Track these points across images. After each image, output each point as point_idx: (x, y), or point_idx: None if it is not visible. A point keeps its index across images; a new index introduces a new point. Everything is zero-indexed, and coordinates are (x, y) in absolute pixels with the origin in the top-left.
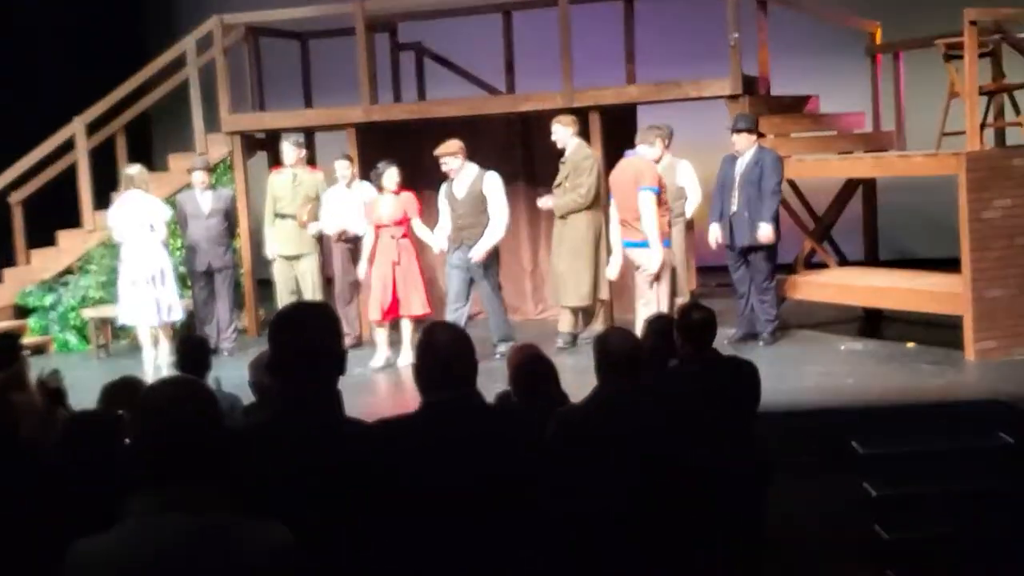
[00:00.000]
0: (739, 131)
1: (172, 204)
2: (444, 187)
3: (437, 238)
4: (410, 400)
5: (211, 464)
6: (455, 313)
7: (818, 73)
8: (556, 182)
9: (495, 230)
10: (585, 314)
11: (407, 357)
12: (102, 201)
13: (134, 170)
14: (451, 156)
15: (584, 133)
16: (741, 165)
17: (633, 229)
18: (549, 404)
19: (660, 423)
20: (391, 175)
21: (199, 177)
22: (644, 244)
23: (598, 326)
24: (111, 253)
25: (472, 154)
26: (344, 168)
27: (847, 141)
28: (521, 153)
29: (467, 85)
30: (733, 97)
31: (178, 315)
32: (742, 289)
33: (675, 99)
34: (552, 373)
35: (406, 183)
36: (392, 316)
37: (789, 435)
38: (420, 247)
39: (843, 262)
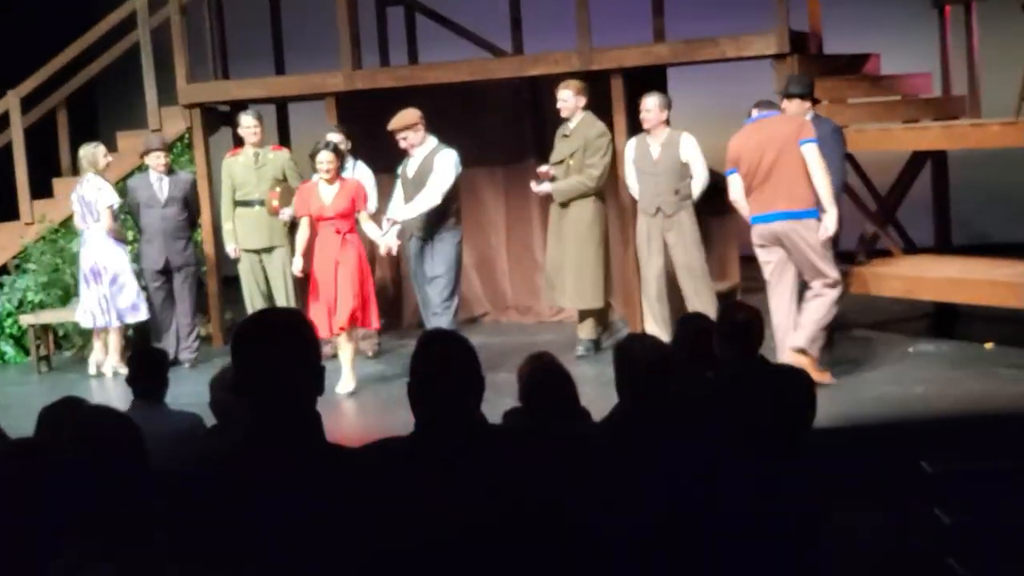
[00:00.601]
0: (791, 96)
1: (122, 191)
2: (400, 166)
3: (384, 234)
4: (383, 426)
5: (137, 517)
6: (437, 319)
7: (878, 27)
8: (554, 159)
9: (421, 200)
10: (601, 316)
11: (348, 384)
12: (42, 188)
13: (83, 150)
14: (409, 130)
15: (602, 101)
16: None
17: (795, 196)
18: (565, 423)
19: (693, 445)
20: (322, 160)
21: (155, 159)
22: (809, 213)
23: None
24: (52, 249)
25: (472, 128)
26: (326, 164)
27: (912, 107)
28: (531, 126)
29: (466, 46)
30: (779, 57)
31: (133, 317)
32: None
33: (711, 60)
34: (569, 386)
35: (397, 167)
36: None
37: (848, 454)
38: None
39: (910, 249)
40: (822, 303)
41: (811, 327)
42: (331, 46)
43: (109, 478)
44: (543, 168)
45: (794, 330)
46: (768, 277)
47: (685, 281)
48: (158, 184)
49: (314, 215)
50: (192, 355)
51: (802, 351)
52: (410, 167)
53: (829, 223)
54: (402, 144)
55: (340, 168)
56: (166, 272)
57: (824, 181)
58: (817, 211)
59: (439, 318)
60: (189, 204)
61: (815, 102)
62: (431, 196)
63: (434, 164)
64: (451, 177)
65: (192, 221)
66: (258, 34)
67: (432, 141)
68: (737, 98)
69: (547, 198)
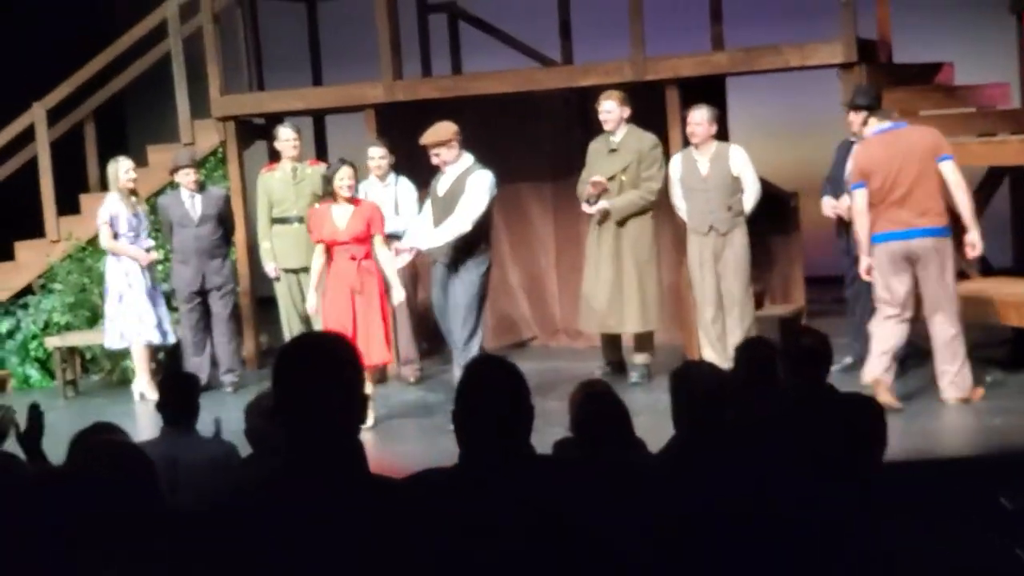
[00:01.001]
0: (857, 108)
1: (152, 208)
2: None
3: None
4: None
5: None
6: (459, 356)
7: (951, 35)
8: (600, 176)
9: (449, 227)
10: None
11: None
12: (68, 205)
13: (112, 167)
14: (443, 146)
15: (654, 113)
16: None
17: (933, 212)
18: (619, 454)
19: (753, 477)
20: (343, 176)
21: (184, 176)
22: (946, 231)
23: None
24: (79, 268)
25: (519, 141)
26: (378, 155)
27: (989, 120)
28: (580, 139)
29: (513, 55)
30: (846, 66)
31: (154, 338)
32: (855, 307)
33: (773, 69)
34: (623, 415)
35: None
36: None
37: (921, 489)
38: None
39: (987, 271)
40: (903, 331)
41: (890, 355)
42: (371, 55)
43: (117, 513)
44: (597, 178)
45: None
46: (889, 304)
47: (731, 306)
48: (190, 202)
49: (327, 240)
50: (234, 379)
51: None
52: (441, 185)
53: (976, 240)
54: (434, 160)
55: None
56: (201, 293)
57: (966, 199)
58: (950, 230)
59: (460, 356)
60: (224, 221)
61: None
62: (460, 223)
63: (466, 185)
64: (484, 202)
65: (227, 238)
66: (294, 43)
67: (467, 159)
68: (800, 110)
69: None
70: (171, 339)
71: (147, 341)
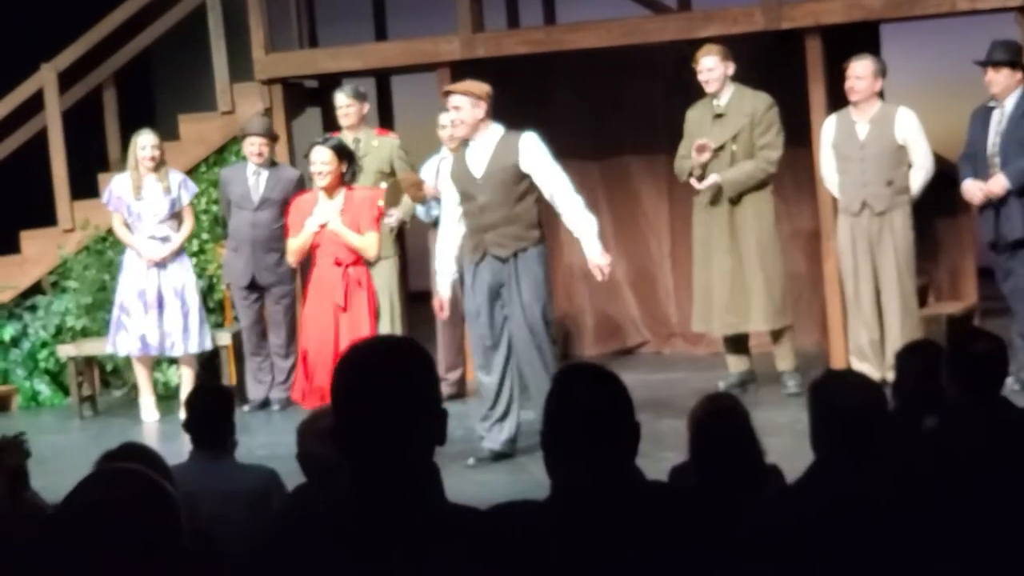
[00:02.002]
0: (996, 65)
1: (213, 185)
2: (446, 165)
3: (441, 275)
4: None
5: None
6: (535, 367)
7: None
8: (711, 144)
9: (585, 216)
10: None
11: None
12: (84, 187)
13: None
14: (468, 99)
15: (789, 69)
16: (1001, 119)
17: None
18: (746, 484)
19: (916, 518)
20: (321, 157)
21: (250, 146)
22: None
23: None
24: (97, 262)
25: (625, 106)
26: (447, 124)
27: None
28: None
29: (617, 1)
30: None
31: (196, 347)
32: (1018, 306)
33: (938, 14)
34: (751, 436)
35: None
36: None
37: None
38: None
39: None
40: None
41: None
42: (445, 4)
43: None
44: (702, 141)
45: None
46: None
47: (890, 302)
48: (254, 180)
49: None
50: (282, 395)
51: None
52: (474, 164)
53: None
54: (450, 116)
55: (345, 175)
56: (256, 289)
57: None
58: None
59: (546, 350)
60: None
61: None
62: (583, 214)
63: (522, 155)
64: (556, 162)
65: None
66: None
67: (497, 128)
68: (969, 67)
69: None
70: (183, 349)
71: (127, 352)
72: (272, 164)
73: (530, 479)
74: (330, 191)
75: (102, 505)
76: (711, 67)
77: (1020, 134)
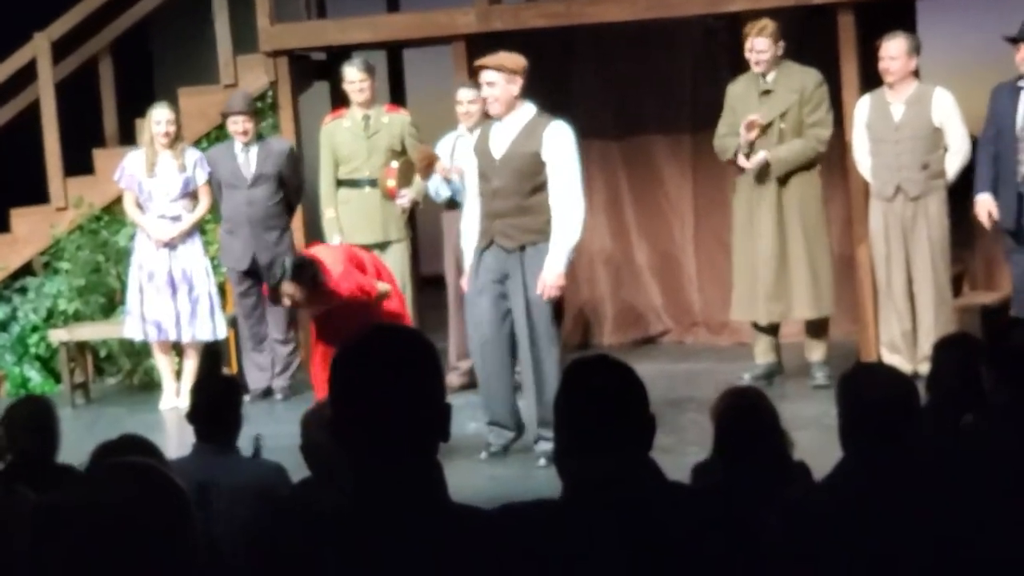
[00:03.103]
0: (1018, 42)
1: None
2: (463, 143)
3: (469, 252)
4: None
5: None
6: (536, 360)
7: None
8: (760, 120)
9: (570, 228)
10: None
11: None
12: (79, 163)
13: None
14: (504, 73)
15: (821, 46)
16: None
17: None
18: (772, 482)
19: (948, 521)
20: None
21: (234, 125)
22: None
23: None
24: (92, 242)
25: (648, 83)
26: (467, 100)
27: None
28: (727, 80)
29: None
30: None
31: (205, 334)
32: (1021, 305)
33: None
34: (776, 432)
35: None
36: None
37: None
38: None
39: None
40: None
41: None
42: None
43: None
44: (753, 116)
45: None
46: None
47: (922, 291)
48: (243, 157)
49: None
50: (285, 384)
51: None
52: (496, 142)
53: None
54: (485, 91)
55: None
56: (253, 273)
57: None
58: None
59: (544, 354)
60: (285, 182)
61: None
62: (578, 206)
63: (544, 147)
64: (579, 169)
65: (290, 205)
66: None
67: (529, 108)
68: (1008, 46)
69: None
70: (190, 336)
71: (144, 338)
72: (259, 138)
73: (544, 475)
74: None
75: (116, 503)
76: (762, 49)
77: None
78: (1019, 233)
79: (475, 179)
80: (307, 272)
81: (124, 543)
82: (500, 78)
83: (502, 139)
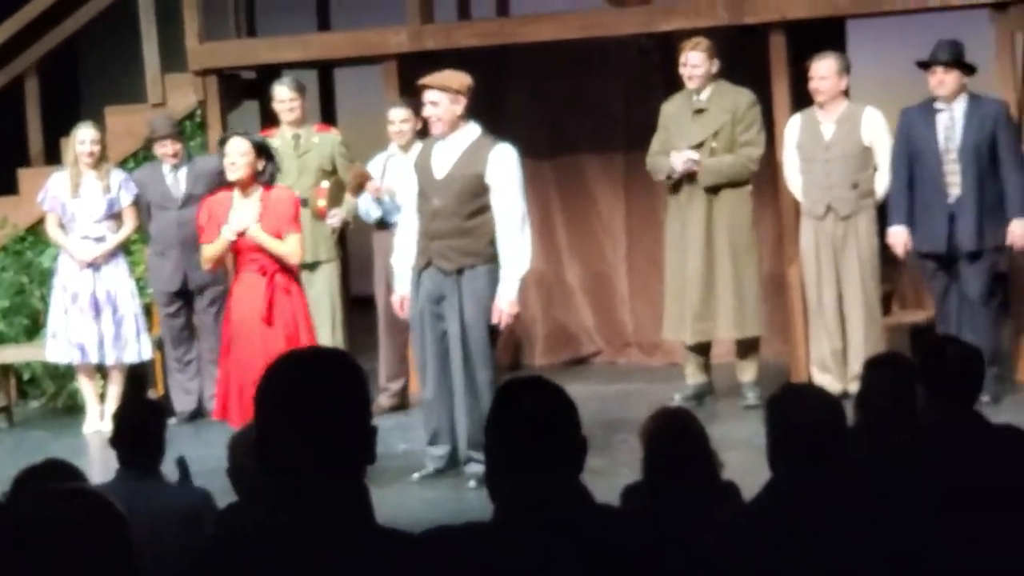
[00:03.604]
0: (943, 66)
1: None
2: (394, 163)
3: (399, 270)
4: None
5: None
6: (471, 380)
7: None
8: (688, 143)
9: (519, 255)
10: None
11: None
12: (3, 182)
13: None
14: (448, 93)
15: (753, 66)
16: (951, 123)
17: None
18: (702, 502)
19: (876, 540)
20: (238, 147)
21: (162, 148)
22: None
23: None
24: (16, 263)
25: (581, 103)
26: (399, 119)
27: None
28: (660, 99)
29: None
30: (1000, 6)
31: (130, 356)
32: (951, 328)
33: (906, 10)
34: (706, 452)
35: None
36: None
37: None
38: None
39: None
40: None
41: None
42: None
43: None
44: (691, 163)
45: None
46: None
47: (853, 310)
48: (172, 178)
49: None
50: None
51: None
52: (439, 162)
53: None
54: (428, 112)
55: (262, 174)
56: (184, 294)
57: None
58: None
59: (479, 376)
60: None
61: (971, 72)
62: (525, 234)
63: (488, 170)
64: (522, 193)
65: None
66: None
67: (474, 129)
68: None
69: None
70: (115, 358)
71: (68, 361)
72: (188, 158)
73: (476, 496)
74: (244, 188)
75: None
76: (696, 63)
77: (978, 142)
78: (950, 254)
79: (413, 197)
80: (264, 149)
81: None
82: (444, 98)
83: (444, 159)
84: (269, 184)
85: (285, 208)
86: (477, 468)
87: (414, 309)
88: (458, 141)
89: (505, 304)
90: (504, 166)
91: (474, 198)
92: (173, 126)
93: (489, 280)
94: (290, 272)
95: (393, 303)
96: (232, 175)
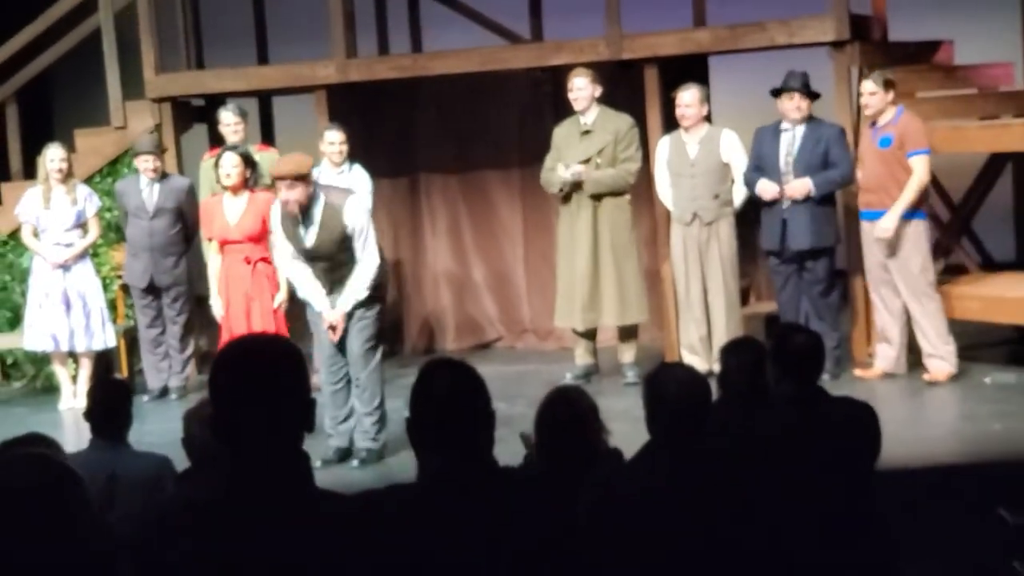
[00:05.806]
0: (790, 92)
1: (107, 194)
2: (286, 223)
3: (315, 296)
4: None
5: None
6: (359, 381)
7: (951, 11)
8: (576, 159)
9: (365, 278)
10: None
11: None
12: None
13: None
14: (301, 182)
15: (632, 94)
16: (794, 141)
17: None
18: (589, 465)
19: (736, 493)
20: (231, 161)
21: (143, 163)
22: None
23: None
24: (1, 263)
25: (484, 126)
26: (339, 140)
27: (990, 102)
28: (551, 123)
29: (478, 31)
30: (838, 44)
31: (98, 344)
32: (790, 315)
33: (759, 48)
34: (592, 422)
35: (398, 169)
36: None
37: (917, 501)
38: None
39: (988, 265)
40: None
41: None
42: (322, 32)
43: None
44: (576, 175)
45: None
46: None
47: (716, 302)
48: (148, 191)
49: (218, 238)
50: (180, 384)
51: None
52: (306, 232)
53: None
54: (287, 195)
55: (249, 180)
56: (152, 290)
57: None
58: None
59: (362, 368)
60: (184, 215)
61: (815, 98)
62: (372, 256)
63: (347, 219)
64: (370, 220)
65: (187, 235)
66: (238, 18)
67: (320, 197)
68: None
69: (561, 201)
70: (85, 345)
71: (43, 349)
72: (163, 176)
73: (359, 473)
74: (235, 191)
75: (16, 488)
76: (581, 87)
77: (811, 157)
78: (782, 252)
79: (290, 251)
80: (250, 160)
81: (27, 527)
82: (298, 184)
83: (309, 230)
84: (253, 188)
85: (266, 207)
86: (363, 446)
87: (312, 315)
88: (315, 213)
89: (335, 314)
90: (356, 213)
91: (343, 247)
92: (155, 144)
93: (373, 311)
94: (271, 264)
95: (328, 333)
96: (227, 182)
